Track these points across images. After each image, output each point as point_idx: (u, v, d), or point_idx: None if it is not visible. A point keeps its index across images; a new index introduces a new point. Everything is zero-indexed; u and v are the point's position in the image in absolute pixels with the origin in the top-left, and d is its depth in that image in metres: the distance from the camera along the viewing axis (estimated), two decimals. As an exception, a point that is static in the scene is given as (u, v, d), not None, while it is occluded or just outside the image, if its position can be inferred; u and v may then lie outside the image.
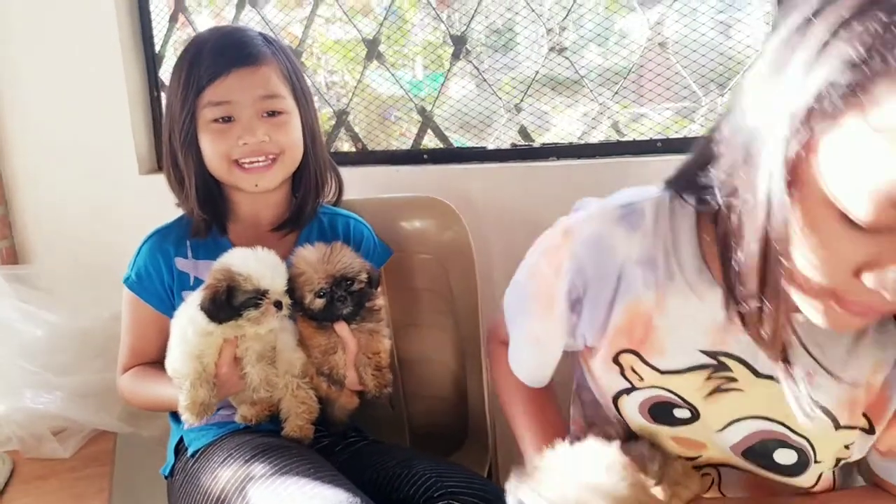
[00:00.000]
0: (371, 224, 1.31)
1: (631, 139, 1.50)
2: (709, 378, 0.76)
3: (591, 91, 1.51)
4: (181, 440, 1.17)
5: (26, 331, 1.31)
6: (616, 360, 0.81)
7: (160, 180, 1.84)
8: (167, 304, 1.18)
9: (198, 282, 1.17)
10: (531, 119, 1.58)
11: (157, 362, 1.22)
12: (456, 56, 1.59)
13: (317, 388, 1.09)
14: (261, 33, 1.19)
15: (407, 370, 1.38)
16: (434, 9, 1.61)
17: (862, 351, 0.73)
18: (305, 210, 1.22)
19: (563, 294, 0.80)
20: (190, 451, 1.13)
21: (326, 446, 1.12)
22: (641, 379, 0.80)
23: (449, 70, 1.61)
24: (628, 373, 0.80)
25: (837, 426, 0.75)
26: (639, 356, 0.79)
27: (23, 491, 1.20)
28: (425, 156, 1.66)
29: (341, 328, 1.08)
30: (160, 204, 1.77)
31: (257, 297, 1.01)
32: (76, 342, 1.40)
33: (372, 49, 1.66)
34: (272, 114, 1.13)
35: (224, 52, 1.12)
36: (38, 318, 1.34)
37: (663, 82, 1.45)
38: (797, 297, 0.62)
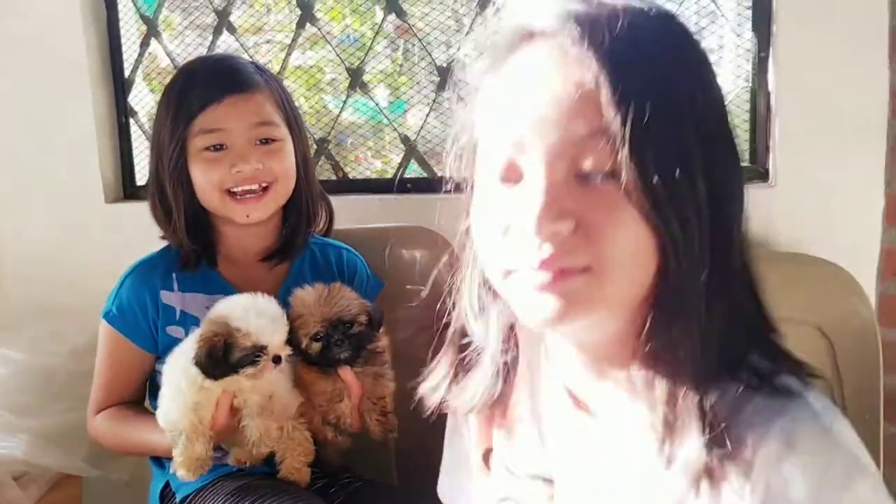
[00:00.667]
0: (369, 253, 1.29)
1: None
2: None
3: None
4: (167, 485, 1.10)
5: (-14, 370, 1.23)
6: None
7: (127, 209, 1.81)
8: (150, 341, 1.12)
9: (184, 316, 1.12)
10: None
11: (133, 402, 1.16)
12: (441, 87, 1.59)
13: (314, 430, 1.05)
14: (251, 61, 1.17)
15: (396, 404, 1.35)
16: (420, 40, 1.61)
17: None
18: (297, 240, 1.18)
19: None
20: (178, 497, 1.06)
21: (321, 488, 1.07)
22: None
23: (434, 100, 1.61)
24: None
25: None
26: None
27: (-16, 543, 1.11)
28: (409, 185, 1.65)
29: (345, 373, 1.04)
30: (127, 234, 1.72)
31: (255, 353, 0.96)
32: (38, 381, 1.33)
33: (356, 78, 1.65)
34: (266, 141, 1.10)
35: (216, 79, 1.09)
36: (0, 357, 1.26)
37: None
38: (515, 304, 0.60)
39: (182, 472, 0.97)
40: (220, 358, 0.94)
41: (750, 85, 1.42)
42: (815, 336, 1.25)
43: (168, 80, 1.18)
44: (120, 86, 1.83)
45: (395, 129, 1.66)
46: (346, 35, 1.75)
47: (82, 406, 1.34)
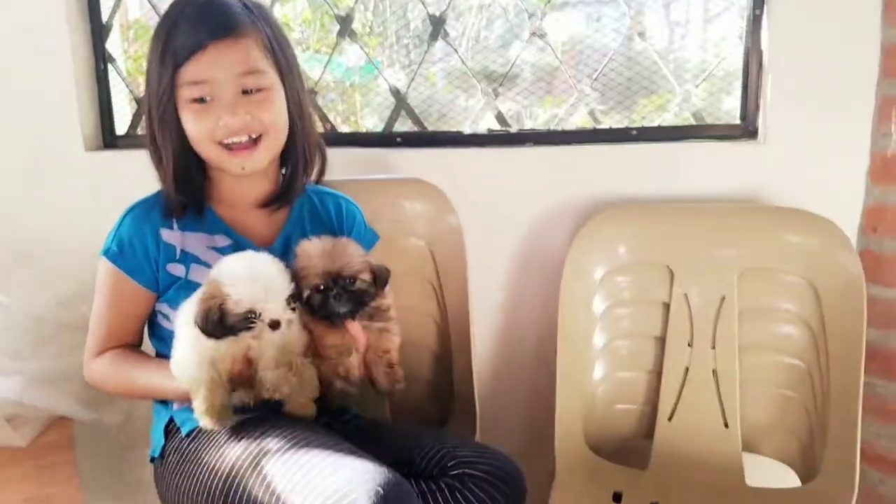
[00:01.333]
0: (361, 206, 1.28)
1: (607, 127, 1.53)
2: None
3: (570, 78, 1.54)
4: (171, 421, 1.10)
5: (-24, 314, 1.21)
6: None
7: (107, 157, 1.77)
8: (151, 279, 1.10)
9: (184, 254, 1.11)
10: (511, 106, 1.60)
11: (133, 345, 1.15)
12: (433, 38, 1.58)
13: (321, 377, 1.06)
14: (240, 2, 1.09)
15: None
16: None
17: None
18: (294, 186, 1.17)
19: None
20: (184, 431, 1.06)
21: (325, 425, 1.08)
22: None
23: (427, 51, 1.60)
24: None
25: None
26: None
27: (-20, 483, 1.10)
28: (398, 139, 1.64)
29: (351, 326, 1.04)
30: (107, 182, 1.68)
31: (249, 319, 0.94)
32: (29, 327, 1.30)
33: (345, 26, 1.63)
34: (252, 90, 1.06)
35: (200, 24, 1.03)
36: (-11, 302, 1.24)
37: (641, 71, 1.50)
38: None
39: (205, 421, 0.97)
40: (217, 321, 0.93)
41: (743, 43, 1.44)
42: (803, 286, 1.30)
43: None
44: (98, 31, 1.77)
45: (385, 81, 1.65)
46: None
47: (72, 353, 1.34)
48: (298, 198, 1.20)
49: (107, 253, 1.10)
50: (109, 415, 1.32)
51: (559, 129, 1.57)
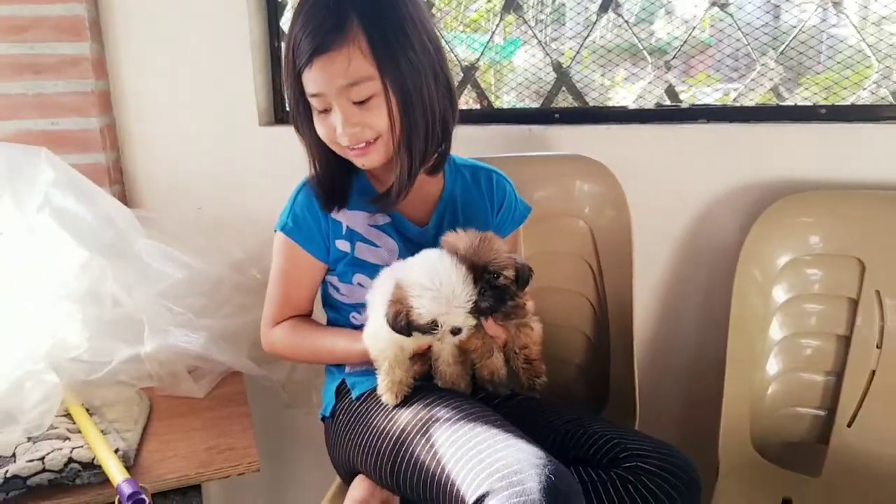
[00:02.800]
0: (515, 181, 1.26)
1: (792, 104, 1.41)
2: None
3: (753, 51, 1.42)
4: (342, 383, 1.15)
5: (169, 273, 1.31)
6: None
7: (279, 132, 1.86)
8: (322, 251, 1.16)
9: (350, 231, 1.15)
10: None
11: (308, 316, 1.21)
12: (604, 8, 1.51)
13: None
14: None
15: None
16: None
17: None
18: (399, 185, 1.09)
19: None
20: (354, 394, 1.11)
21: (483, 398, 1.08)
22: None
23: (594, 24, 1.54)
24: None
25: None
26: None
27: (168, 426, 1.20)
28: (557, 115, 1.60)
29: (488, 325, 1.04)
30: (278, 156, 1.77)
31: (431, 326, 0.96)
32: (209, 287, 1.40)
33: (509, 4, 1.60)
34: (364, 100, 1.03)
35: (309, 35, 1.00)
36: (179, 261, 1.34)
37: (835, 45, 1.35)
38: None
39: (386, 395, 1.03)
40: (403, 325, 0.96)
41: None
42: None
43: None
44: (273, 9, 1.86)
45: (547, 55, 1.60)
46: None
47: (244, 313, 1.43)
48: (449, 174, 1.19)
49: (283, 227, 1.16)
50: (275, 372, 1.40)
51: (737, 104, 1.45)
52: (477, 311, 0.98)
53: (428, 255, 1.00)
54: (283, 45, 1.09)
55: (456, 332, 0.97)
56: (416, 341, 1.01)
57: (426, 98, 1.05)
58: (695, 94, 1.54)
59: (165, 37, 1.87)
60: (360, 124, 1.03)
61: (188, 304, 1.29)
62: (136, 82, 1.89)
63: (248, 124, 1.86)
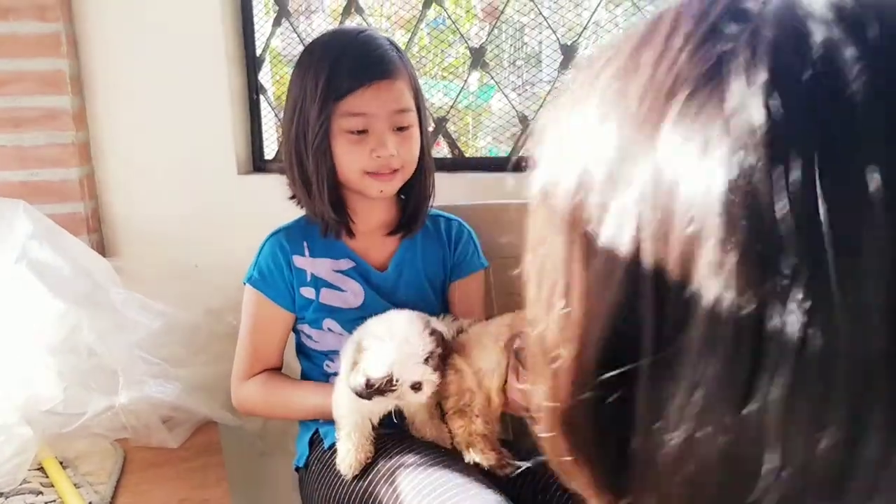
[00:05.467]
0: (479, 229, 1.32)
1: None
2: None
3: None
4: (316, 432, 1.18)
5: (144, 322, 1.34)
6: None
7: (257, 180, 1.91)
8: (289, 300, 1.21)
9: (314, 278, 1.20)
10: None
11: (278, 369, 1.24)
12: (564, 66, 1.59)
13: None
14: (388, 40, 1.19)
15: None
16: (543, 17, 1.61)
17: None
18: (420, 215, 1.24)
19: None
20: (326, 444, 1.14)
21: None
22: None
23: (556, 80, 1.61)
24: None
25: None
26: None
27: (140, 478, 1.21)
28: (524, 163, 1.65)
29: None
30: (257, 204, 1.81)
31: (389, 383, 0.95)
32: (185, 336, 1.42)
33: (477, 58, 1.67)
34: (401, 128, 1.15)
35: (365, 63, 1.12)
36: (154, 310, 1.37)
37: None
38: None
39: (342, 466, 1.04)
40: (362, 385, 0.95)
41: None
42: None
43: (302, 57, 1.20)
44: (252, 63, 1.92)
45: (513, 108, 1.67)
46: (440, 17, 1.78)
47: (220, 361, 1.45)
48: None
49: (250, 280, 1.21)
50: (250, 422, 1.42)
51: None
52: (434, 364, 0.97)
53: (391, 312, 1.03)
54: (307, 77, 1.15)
55: (416, 387, 0.96)
56: (379, 407, 1.02)
57: (430, 144, 1.23)
58: None
59: (146, 88, 1.92)
60: (396, 148, 1.13)
61: (164, 354, 1.31)
62: (117, 133, 1.93)
63: (227, 173, 1.90)
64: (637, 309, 0.32)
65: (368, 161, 1.13)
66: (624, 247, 0.32)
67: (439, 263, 1.26)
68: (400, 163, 1.15)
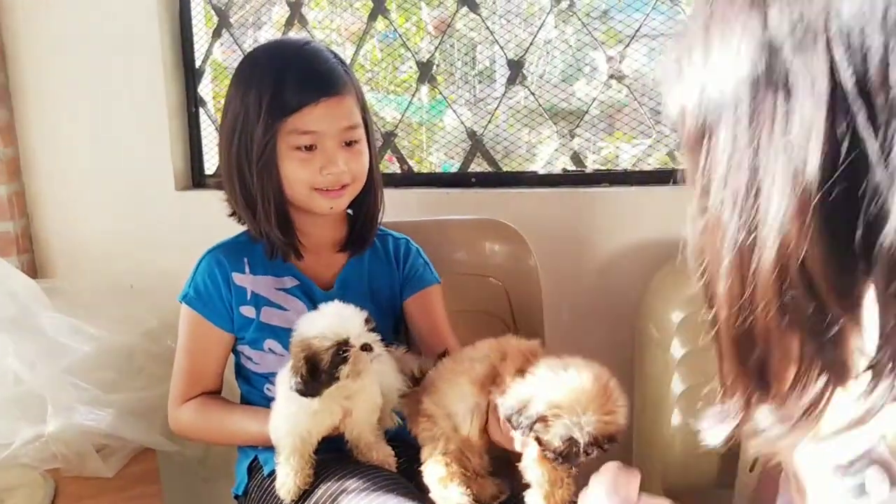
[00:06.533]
0: (430, 245, 1.30)
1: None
2: None
3: (648, 119, 1.52)
4: (255, 459, 1.14)
5: (75, 346, 1.27)
6: None
7: (196, 196, 1.85)
8: (226, 320, 1.15)
9: (255, 296, 1.15)
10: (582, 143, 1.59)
11: (217, 393, 1.19)
12: (511, 81, 1.60)
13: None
14: (333, 53, 1.16)
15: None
16: (490, 32, 1.62)
17: None
18: (370, 232, 1.22)
19: None
20: (266, 471, 1.10)
21: (402, 462, 1.08)
22: None
23: (503, 95, 1.62)
24: None
25: None
26: None
27: (72, 511, 1.15)
28: (473, 179, 1.66)
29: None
30: (196, 221, 1.76)
31: (340, 350, 0.93)
32: (120, 359, 1.37)
33: (425, 72, 1.67)
34: (350, 143, 1.12)
35: (312, 79, 1.09)
36: (86, 333, 1.31)
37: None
38: None
39: (281, 491, 1.00)
40: (309, 372, 0.92)
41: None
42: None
43: (242, 69, 1.16)
44: (191, 77, 1.88)
45: (461, 123, 1.67)
46: (389, 31, 1.78)
47: (157, 385, 1.39)
48: None
49: (185, 298, 1.16)
50: (190, 448, 1.36)
51: (636, 169, 1.55)
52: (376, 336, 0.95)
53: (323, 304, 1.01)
54: (249, 92, 1.10)
55: (367, 347, 0.94)
56: (320, 426, 0.99)
57: (378, 159, 1.19)
58: (615, 150, 1.63)
59: (79, 101, 1.85)
60: (346, 164, 1.11)
61: (96, 379, 1.25)
62: (48, 148, 1.86)
63: (165, 188, 1.84)
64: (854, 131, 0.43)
65: (317, 178, 1.10)
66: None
67: (386, 283, 1.23)
68: (350, 177, 1.13)
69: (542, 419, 0.85)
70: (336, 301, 0.99)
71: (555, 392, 0.86)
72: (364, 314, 0.96)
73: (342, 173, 1.11)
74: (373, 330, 0.96)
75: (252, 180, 1.11)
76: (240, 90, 1.11)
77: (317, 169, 1.09)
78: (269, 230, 1.13)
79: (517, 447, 0.92)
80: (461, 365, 1.01)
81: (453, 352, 1.12)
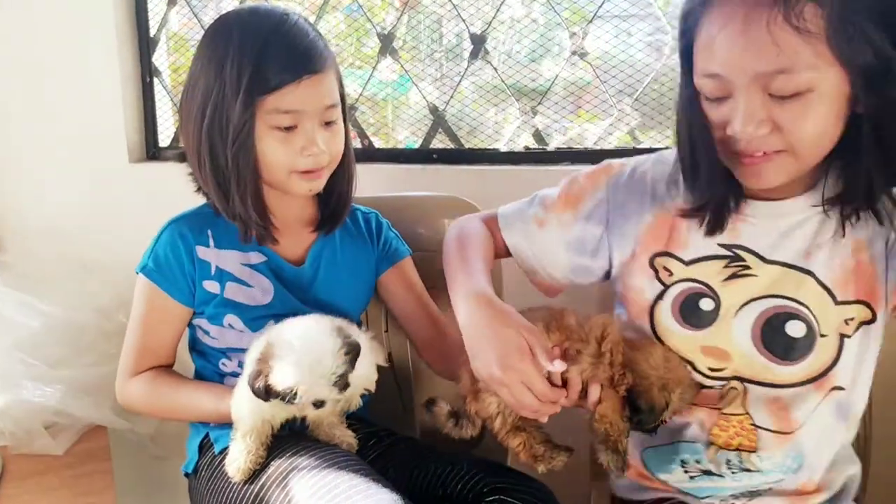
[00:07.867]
0: (390, 221, 1.29)
1: (647, 146, 1.52)
2: (726, 266, 0.95)
3: (610, 98, 1.52)
4: (206, 437, 1.11)
5: (23, 322, 1.24)
6: (651, 264, 0.99)
7: (151, 169, 1.81)
8: (187, 294, 1.12)
9: (219, 271, 1.11)
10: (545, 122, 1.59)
11: (169, 366, 1.16)
12: (474, 56, 1.58)
13: None
14: (314, 28, 1.10)
15: (423, 372, 1.35)
16: (453, 5, 1.60)
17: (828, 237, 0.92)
18: (344, 210, 1.19)
19: (593, 202, 1.04)
20: (217, 449, 1.07)
21: (360, 440, 1.08)
22: (671, 274, 0.98)
23: (465, 70, 1.61)
24: (662, 273, 0.99)
25: (836, 301, 0.91)
26: (668, 254, 0.99)
27: (20, 488, 1.13)
28: (435, 155, 1.65)
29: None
30: (150, 194, 1.72)
31: (291, 397, 0.90)
32: (70, 335, 1.34)
33: (386, 44, 1.64)
34: (328, 123, 1.09)
35: (295, 55, 1.03)
36: (34, 309, 1.27)
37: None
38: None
39: (231, 468, 0.98)
40: (262, 390, 0.91)
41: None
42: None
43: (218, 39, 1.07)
44: (145, 45, 1.82)
45: (421, 96, 1.65)
46: (353, 4, 1.74)
47: (109, 361, 1.36)
48: None
49: (143, 269, 1.12)
50: (142, 425, 1.34)
51: (597, 147, 1.55)
52: (343, 385, 0.91)
53: (310, 318, 0.97)
54: (226, 66, 1.03)
55: (318, 404, 0.92)
56: (282, 413, 0.97)
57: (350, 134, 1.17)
58: (582, 130, 1.62)
59: (28, 71, 1.79)
60: (325, 144, 1.07)
61: (44, 355, 1.22)
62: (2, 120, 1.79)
63: (118, 161, 1.80)
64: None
65: (297, 160, 1.06)
66: None
67: (363, 258, 1.21)
68: (328, 159, 1.09)
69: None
70: (331, 326, 0.94)
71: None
72: (338, 364, 0.91)
73: (321, 154, 1.07)
74: (358, 324, 0.97)
75: (227, 160, 1.05)
76: (213, 62, 1.04)
77: (296, 150, 1.05)
78: (243, 213, 1.08)
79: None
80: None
81: (440, 320, 1.17)
